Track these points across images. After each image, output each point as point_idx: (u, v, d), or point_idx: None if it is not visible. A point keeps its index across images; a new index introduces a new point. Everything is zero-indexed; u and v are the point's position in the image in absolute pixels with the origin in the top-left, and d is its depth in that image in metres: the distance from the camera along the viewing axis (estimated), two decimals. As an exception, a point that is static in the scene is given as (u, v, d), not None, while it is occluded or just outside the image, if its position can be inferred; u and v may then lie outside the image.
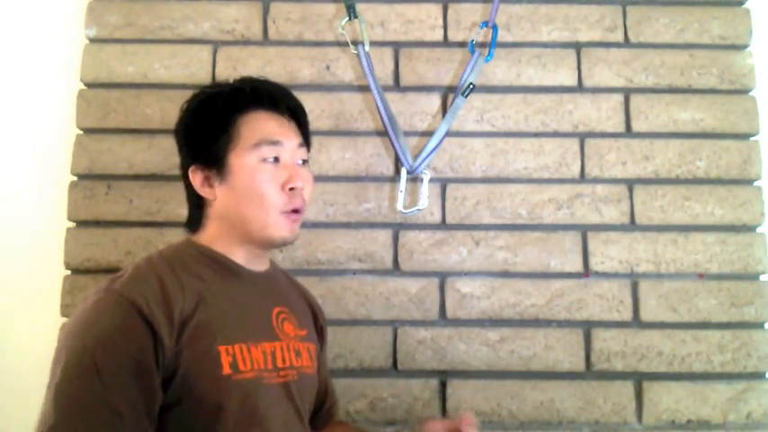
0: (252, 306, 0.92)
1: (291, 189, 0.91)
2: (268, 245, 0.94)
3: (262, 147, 0.91)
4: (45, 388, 0.74)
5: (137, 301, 0.79)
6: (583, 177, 1.31)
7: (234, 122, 0.92)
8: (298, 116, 0.99)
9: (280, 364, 0.89)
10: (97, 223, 1.28)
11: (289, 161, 0.93)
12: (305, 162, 0.97)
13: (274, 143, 0.92)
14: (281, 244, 0.95)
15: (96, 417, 0.74)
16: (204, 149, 0.93)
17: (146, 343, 0.77)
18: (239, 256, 0.94)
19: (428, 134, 1.30)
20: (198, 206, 0.96)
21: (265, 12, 1.35)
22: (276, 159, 0.92)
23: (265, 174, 0.91)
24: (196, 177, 0.93)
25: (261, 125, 0.93)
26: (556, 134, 1.32)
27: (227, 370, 0.82)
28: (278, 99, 0.96)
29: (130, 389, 0.76)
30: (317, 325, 1.07)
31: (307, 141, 1.01)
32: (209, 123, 0.93)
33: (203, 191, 0.93)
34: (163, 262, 0.87)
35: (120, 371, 0.76)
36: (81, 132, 1.31)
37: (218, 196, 0.93)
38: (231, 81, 0.99)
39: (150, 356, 0.77)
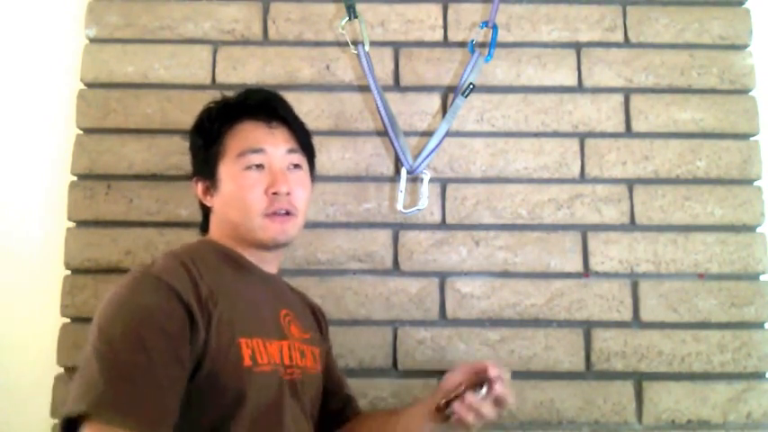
0: (263, 303, 0.95)
1: (274, 193, 0.95)
2: (261, 246, 0.97)
3: (245, 155, 0.96)
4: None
5: (175, 286, 0.82)
6: (583, 177, 1.31)
7: (222, 136, 0.98)
8: (289, 123, 1.02)
9: (287, 362, 0.92)
10: (97, 223, 1.27)
11: (276, 167, 0.96)
12: (297, 167, 1.00)
13: (257, 151, 0.96)
14: (273, 244, 0.97)
15: (143, 387, 0.75)
16: (201, 162, 1.01)
17: (185, 325, 0.80)
18: (249, 255, 0.98)
19: (428, 134, 1.30)
20: (205, 214, 1.04)
21: (265, 12, 1.35)
22: (261, 166, 0.96)
23: (248, 180, 0.95)
24: (198, 188, 1.01)
25: (245, 135, 0.98)
26: (556, 134, 1.32)
27: (248, 362, 0.84)
28: (263, 108, 1.00)
29: (172, 364, 0.78)
30: (321, 331, 1.10)
31: (304, 147, 1.03)
32: (202, 138, 1.00)
33: (205, 200, 1.01)
34: (185, 255, 0.89)
35: (163, 346, 0.78)
36: (81, 132, 1.30)
37: (214, 205, 0.99)
38: (234, 94, 1.05)
39: (187, 338, 0.80)
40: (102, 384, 0.74)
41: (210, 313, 0.83)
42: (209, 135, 0.99)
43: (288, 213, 0.96)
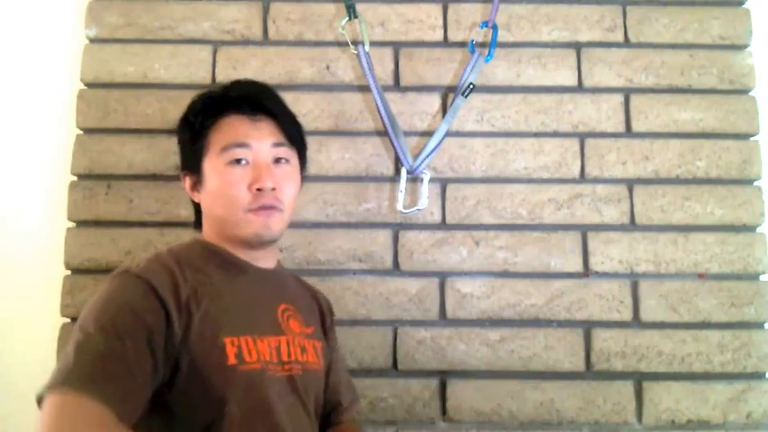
0: (257, 300, 0.94)
1: (258, 189, 0.92)
2: (245, 243, 0.95)
3: (229, 150, 0.94)
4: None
5: (153, 282, 0.83)
6: (583, 177, 1.31)
7: (206, 130, 0.96)
8: (275, 115, 0.99)
9: (284, 358, 0.91)
10: (97, 223, 1.27)
11: (261, 161, 0.94)
12: (284, 160, 0.97)
13: (241, 145, 0.94)
14: (257, 240, 0.95)
15: (112, 367, 0.75)
16: (188, 157, 0.99)
17: (160, 319, 0.81)
18: (241, 253, 0.97)
19: (428, 134, 1.30)
20: (196, 210, 1.03)
21: (265, 12, 1.35)
22: (246, 161, 0.94)
23: (231, 175, 0.93)
24: (186, 183, 1.00)
25: (229, 129, 0.95)
26: (556, 134, 1.32)
27: (232, 360, 0.84)
28: (246, 101, 0.97)
29: (144, 351, 0.78)
30: (325, 325, 1.08)
31: (292, 140, 1.00)
32: (188, 133, 0.99)
33: (193, 195, 1.00)
34: (170, 258, 0.89)
35: (137, 333, 0.78)
36: (81, 132, 1.30)
37: (201, 200, 0.98)
38: (218, 87, 1.03)
39: (161, 332, 0.80)
40: (73, 364, 0.74)
41: (191, 314, 0.83)
42: (194, 129, 0.97)
43: (272, 207, 0.93)
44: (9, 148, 1.34)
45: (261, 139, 0.95)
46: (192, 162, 0.97)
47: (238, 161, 0.93)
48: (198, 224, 1.03)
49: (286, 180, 0.96)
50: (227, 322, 0.86)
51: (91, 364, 0.75)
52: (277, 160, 0.96)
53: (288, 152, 0.98)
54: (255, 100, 0.98)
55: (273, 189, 0.93)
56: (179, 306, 0.83)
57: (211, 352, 0.83)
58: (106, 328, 0.77)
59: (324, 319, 1.08)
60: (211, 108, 0.97)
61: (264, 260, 0.99)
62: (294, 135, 1.01)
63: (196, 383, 0.81)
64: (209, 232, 0.98)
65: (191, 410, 0.81)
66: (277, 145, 0.97)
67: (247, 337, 0.87)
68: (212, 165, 0.94)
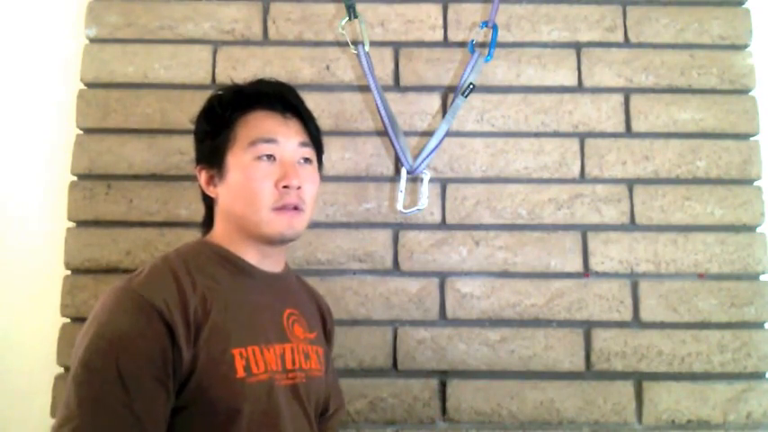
0: (264, 307, 0.92)
1: (285, 187, 0.91)
2: (266, 241, 0.94)
3: (257, 145, 0.92)
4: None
5: (157, 303, 0.79)
6: (583, 177, 1.31)
7: (232, 123, 0.94)
8: (301, 115, 0.99)
9: (289, 366, 0.90)
10: (97, 223, 1.28)
11: (287, 159, 0.93)
12: (307, 161, 0.97)
13: (269, 141, 0.93)
14: (279, 240, 0.94)
15: (119, 421, 0.75)
16: (207, 150, 0.96)
17: (166, 347, 0.78)
18: (251, 255, 0.95)
19: (428, 134, 1.30)
20: (208, 206, 1.00)
21: (265, 12, 1.35)
22: (272, 157, 0.93)
23: (258, 171, 0.91)
24: (202, 176, 0.97)
25: (257, 124, 0.94)
26: (556, 134, 1.32)
27: (241, 373, 0.82)
28: (277, 98, 0.97)
29: (150, 393, 0.76)
30: (326, 329, 1.08)
31: (314, 141, 1.00)
32: (211, 125, 0.96)
33: (208, 190, 0.97)
34: (179, 261, 0.87)
35: (141, 375, 0.76)
36: (81, 132, 1.31)
37: (219, 194, 0.95)
38: (246, 82, 1.01)
39: (169, 361, 0.78)
40: (79, 418, 0.73)
41: (200, 326, 0.81)
42: (220, 121, 0.94)
43: (296, 208, 0.92)
44: (9, 148, 1.34)
45: (289, 137, 0.95)
46: (212, 155, 0.95)
47: (267, 157, 0.92)
48: (207, 222, 1.00)
49: (309, 180, 0.95)
50: (235, 332, 0.85)
51: (95, 421, 0.74)
52: (302, 160, 0.96)
53: (311, 153, 0.98)
54: (286, 98, 0.98)
55: (299, 188, 0.92)
56: (186, 321, 0.80)
57: (220, 365, 0.81)
58: (110, 374, 0.75)
59: (325, 323, 1.08)
60: (241, 101, 0.96)
61: (274, 261, 0.98)
62: (316, 137, 1.02)
63: (202, 396, 0.80)
64: (220, 231, 0.96)
65: (195, 422, 0.80)
66: (303, 144, 0.96)
67: (254, 348, 0.85)
68: (237, 159, 0.92)
